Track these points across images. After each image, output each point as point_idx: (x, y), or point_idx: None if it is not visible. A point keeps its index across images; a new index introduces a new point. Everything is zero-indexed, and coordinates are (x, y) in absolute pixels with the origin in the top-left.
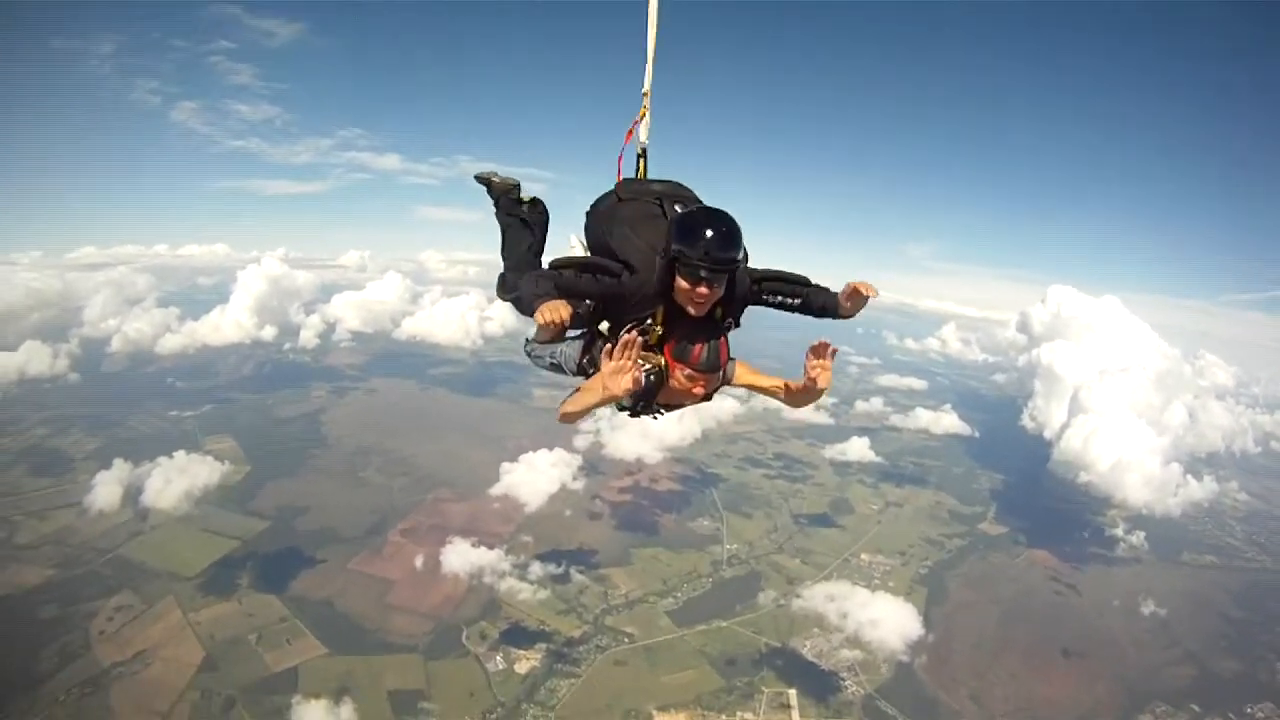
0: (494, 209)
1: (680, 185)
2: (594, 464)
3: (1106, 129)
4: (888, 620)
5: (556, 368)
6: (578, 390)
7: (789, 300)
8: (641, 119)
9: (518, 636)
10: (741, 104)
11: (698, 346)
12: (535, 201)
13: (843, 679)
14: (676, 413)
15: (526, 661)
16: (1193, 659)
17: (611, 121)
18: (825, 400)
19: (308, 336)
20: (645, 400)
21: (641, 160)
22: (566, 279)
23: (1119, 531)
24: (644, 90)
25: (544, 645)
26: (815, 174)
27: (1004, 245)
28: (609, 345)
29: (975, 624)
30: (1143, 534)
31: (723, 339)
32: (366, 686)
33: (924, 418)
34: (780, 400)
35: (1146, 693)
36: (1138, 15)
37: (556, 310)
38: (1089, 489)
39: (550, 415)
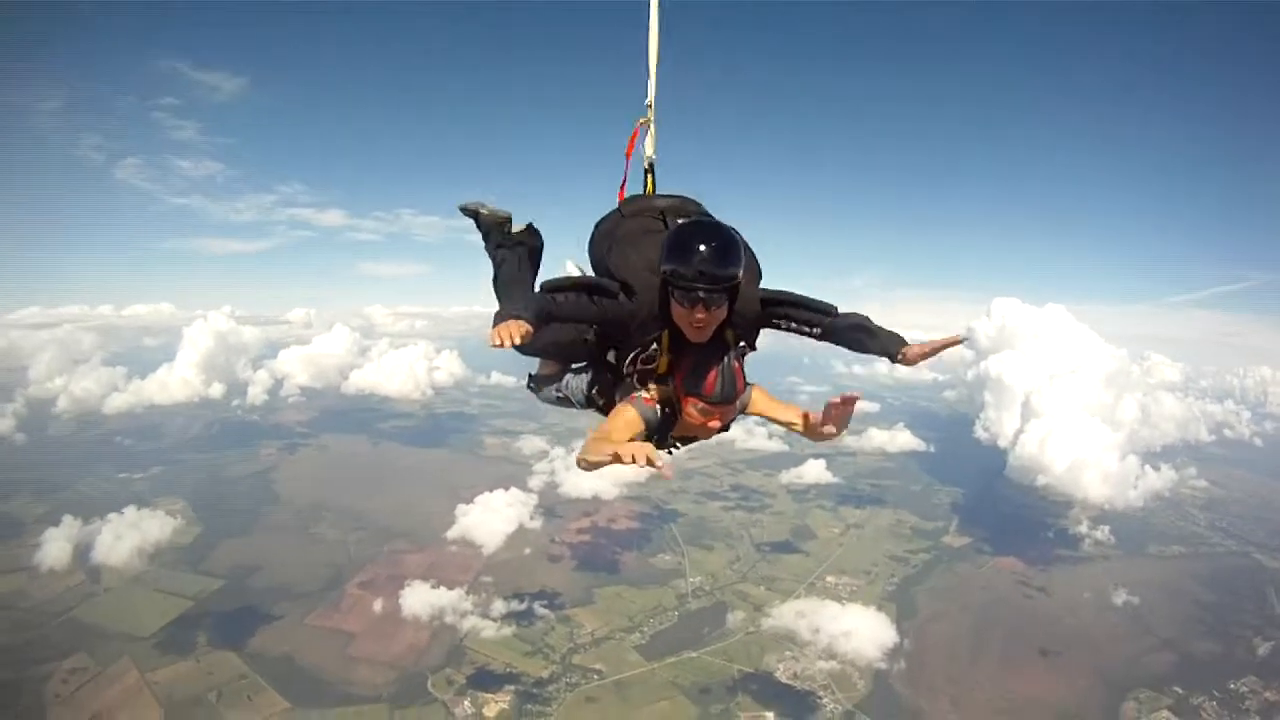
0: (483, 243)
1: (688, 199)
2: (550, 503)
3: (1038, 145)
4: (861, 630)
5: (564, 401)
6: (595, 438)
7: (807, 329)
8: (645, 129)
9: (485, 680)
10: (679, 133)
11: (711, 376)
12: (529, 228)
13: (820, 697)
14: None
15: (495, 705)
16: (1170, 645)
17: (553, 174)
18: (777, 428)
19: (256, 393)
20: (659, 436)
21: (649, 176)
22: (556, 302)
23: (1083, 529)
24: (648, 101)
25: (512, 687)
26: (750, 214)
27: (945, 267)
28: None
29: (948, 633)
30: (1107, 528)
31: (738, 365)
32: None
33: (878, 438)
34: (796, 432)
35: (1128, 682)
36: (1063, 23)
37: (508, 329)
38: (1048, 491)
39: (503, 463)
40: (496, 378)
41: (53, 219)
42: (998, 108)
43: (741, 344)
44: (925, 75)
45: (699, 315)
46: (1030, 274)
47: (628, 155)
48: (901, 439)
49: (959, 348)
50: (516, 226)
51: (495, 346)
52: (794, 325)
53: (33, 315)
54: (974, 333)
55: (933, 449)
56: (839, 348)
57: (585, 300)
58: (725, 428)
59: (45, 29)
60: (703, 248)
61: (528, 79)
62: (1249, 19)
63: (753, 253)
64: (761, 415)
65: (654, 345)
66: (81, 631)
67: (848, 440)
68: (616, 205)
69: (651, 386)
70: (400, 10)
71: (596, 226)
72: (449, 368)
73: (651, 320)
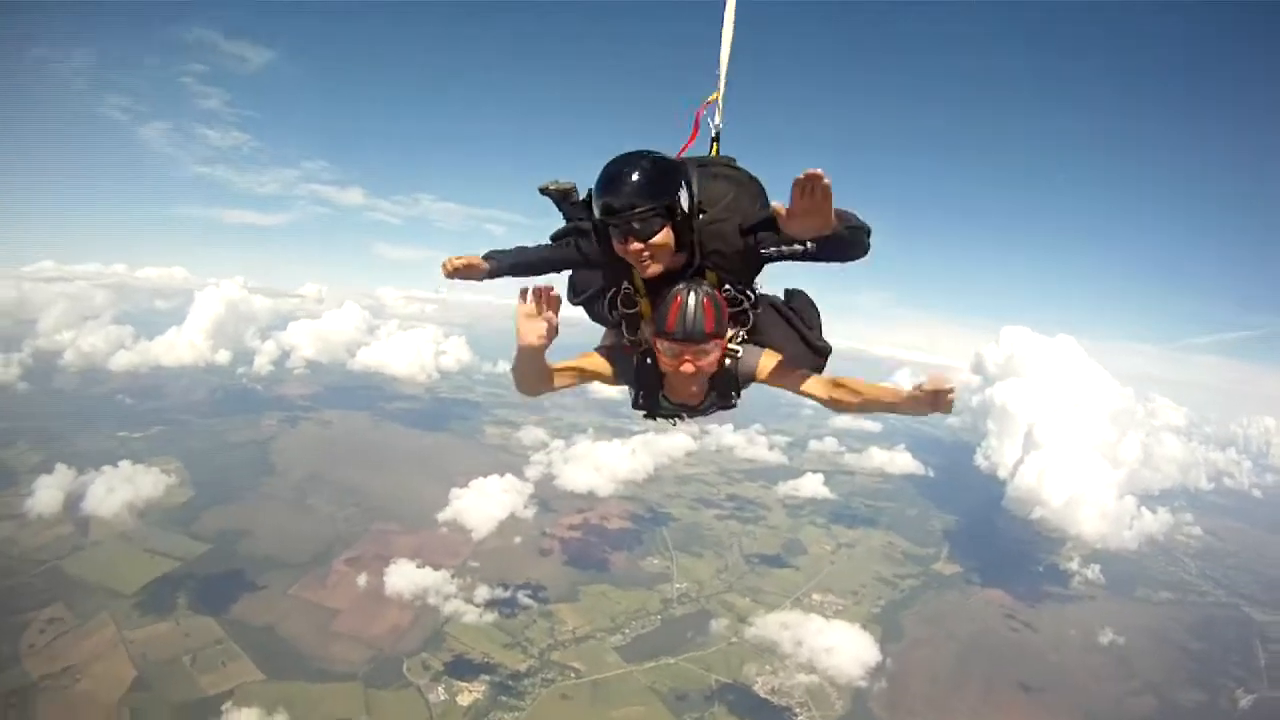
0: (564, 222)
1: (721, 158)
2: (545, 495)
3: (1060, 178)
4: (844, 647)
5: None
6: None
7: (798, 247)
8: (714, 104)
9: (461, 668)
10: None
11: (673, 307)
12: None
13: (796, 714)
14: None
15: (469, 694)
16: (1153, 690)
17: (578, 163)
18: (779, 439)
19: (262, 363)
20: (645, 390)
21: (715, 144)
22: (548, 250)
23: (1074, 565)
24: (719, 73)
25: (488, 678)
26: None
27: (957, 292)
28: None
29: (931, 660)
30: (1098, 568)
31: (708, 300)
32: (303, 713)
33: (878, 457)
34: (854, 410)
35: None
36: (1089, 56)
37: (451, 261)
38: (1043, 525)
39: (502, 452)
40: (503, 366)
41: (73, 175)
42: (1022, 134)
43: (728, 284)
44: (949, 95)
45: (631, 247)
46: (1042, 304)
47: (695, 122)
48: (901, 461)
49: (965, 373)
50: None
51: (446, 273)
52: (782, 251)
53: (46, 269)
54: (982, 359)
55: (932, 474)
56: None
57: (571, 246)
58: (724, 398)
59: None
60: (611, 177)
61: (556, 71)
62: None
63: (740, 180)
64: (782, 387)
65: (627, 285)
66: (64, 583)
67: (847, 458)
68: None
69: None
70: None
71: None
72: (456, 353)
73: (612, 260)
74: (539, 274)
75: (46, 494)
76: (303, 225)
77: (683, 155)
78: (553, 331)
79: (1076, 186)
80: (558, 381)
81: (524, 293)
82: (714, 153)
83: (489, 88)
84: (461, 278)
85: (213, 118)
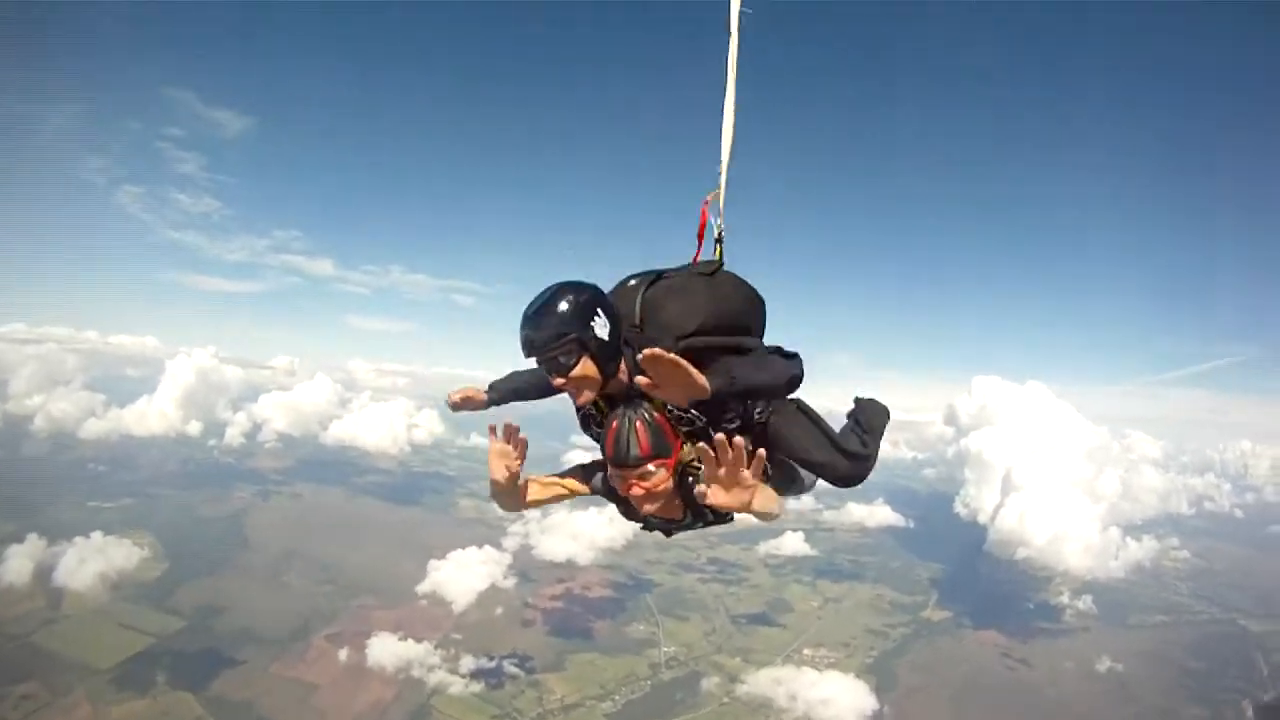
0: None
1: (703, 263)
2: (524, 564)
3: (1016, 230)
4: (839, 698)
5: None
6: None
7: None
8: (715, 202)
9: None
10: (656, 199)
11: (609, 435)
12: None
13: None
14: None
15: None
16: (1157, 712)
17: (538, 237)
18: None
19: (234, 435)
20: (620, 507)
21: (718, 245)
22: (531, 373)
23: (1064, 600)
24: (720, 171)
25: None
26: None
27: (926, 347)
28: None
29: (929, 705)
30: (1089, 598)
31: (640, 425)
32: None
33: (857, 512)
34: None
35: None
36: (1052, 92)
37: (452, 395)
38: (1028, 564)
39: (478, 525)
40: (475, 439)
41: (48, 237)
42: (976, 186)
43: (671, 405)
44: (903, 153)
45: (555, 382)
46: (1011, 353)
47: (701, 224)
48: (881, 514)
49: (938, 425)
50: None
51: (450, 405)
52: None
53: (17, 332)
54: (955, 410)
55: (912, 525)
56: None
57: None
58: (699, 513)
59: (60, 41)
60: (524, 315)
61: (530, 149)
62: (1230, 96)
63: (689, 290)
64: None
65: (590, 408)
66: (38, 658)
67: (826, 515)
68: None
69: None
70: (412, 74)
71: None
72: (429, 426)
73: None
74: (533, 399)
75: (17, 563)
76: (274, 295)
77: (697, 260)
78: (518, 468)
79: (1035, 239)
80: (538, 497)
81: (493, 430)
82: (718, 254)
83: (461, 160)
84: (465, 409)
85: (187, 183)
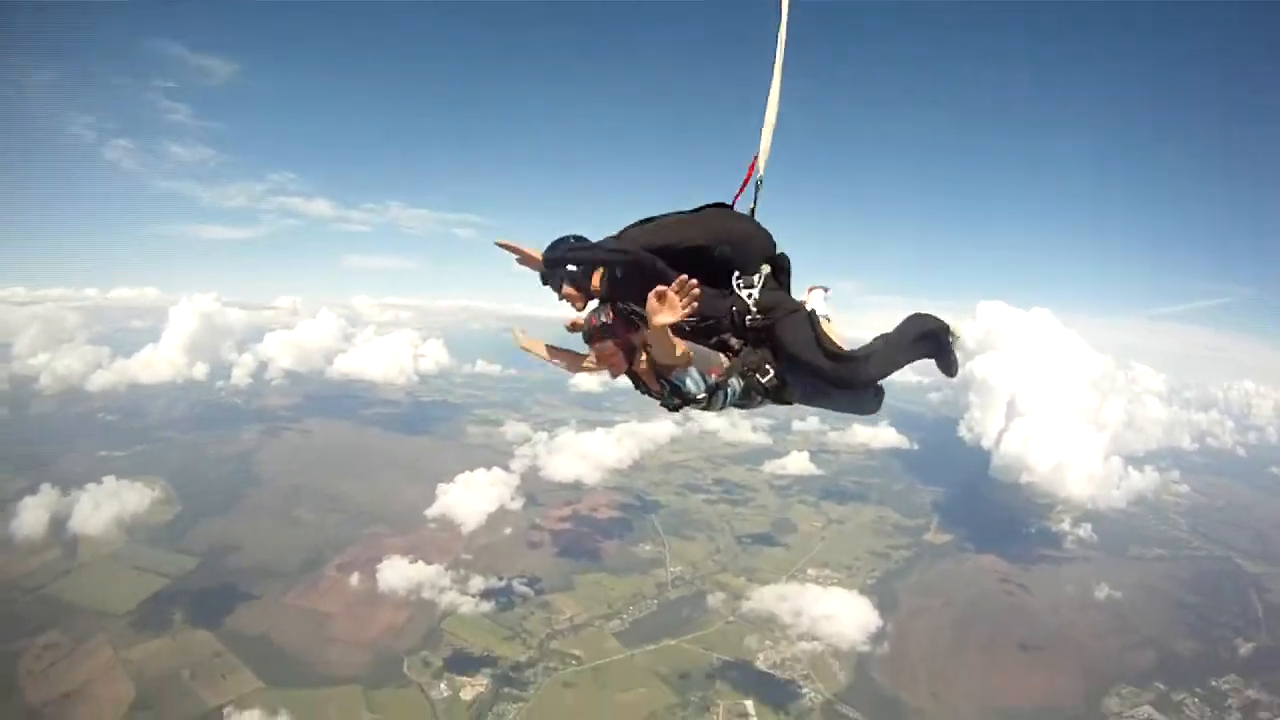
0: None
1: (701, 207)
2: (532, 486)
3: (1022, 153)
4: (843, 614)
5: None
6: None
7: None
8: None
9: (461, 663)
10: (662, 142)
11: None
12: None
13: (799, 686)
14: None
15: (471, 688)
16: (1152, 643)
17: (540, 168)
18: (763, 421)
19: (240, 375)
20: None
21: (757, 189)
22: None
23: (1065, 526)
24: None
25: (489, 671)
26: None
27: (928, 274)
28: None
29: (929, 627)
30: (1089, 527)
31: (594, 320)
32: (306, 717)
33: (862, 434)
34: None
35: (1110, 678)
36: (1054, 31)
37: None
38: (1031, 490)
39: (486, 450)
40: (482, 366)
41: (39, 198)
42: (984, 113)
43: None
44: (909, 79)
45: (559, 298)
46: (1015, 281)
47: (748, 175)
48: (885, 436)
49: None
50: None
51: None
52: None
53: (16, 295)
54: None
55: (916, 448)
56: None
57: None
58: (642, 385)
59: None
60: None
61: (522, 75)
62: (1240, 39)
63: (659, 224)
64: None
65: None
66: (56, 608)
67: (831, 436)
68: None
69: None
70: (397, 3)
71: None
72: (434, 355)
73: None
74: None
75: (32, 515)
76: (273, 239)
77: (737, 199)
78: (524, 339)
79: (1041, 163)
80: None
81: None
82: (755, 198)
83: (453, 90)
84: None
85: (179, 132)
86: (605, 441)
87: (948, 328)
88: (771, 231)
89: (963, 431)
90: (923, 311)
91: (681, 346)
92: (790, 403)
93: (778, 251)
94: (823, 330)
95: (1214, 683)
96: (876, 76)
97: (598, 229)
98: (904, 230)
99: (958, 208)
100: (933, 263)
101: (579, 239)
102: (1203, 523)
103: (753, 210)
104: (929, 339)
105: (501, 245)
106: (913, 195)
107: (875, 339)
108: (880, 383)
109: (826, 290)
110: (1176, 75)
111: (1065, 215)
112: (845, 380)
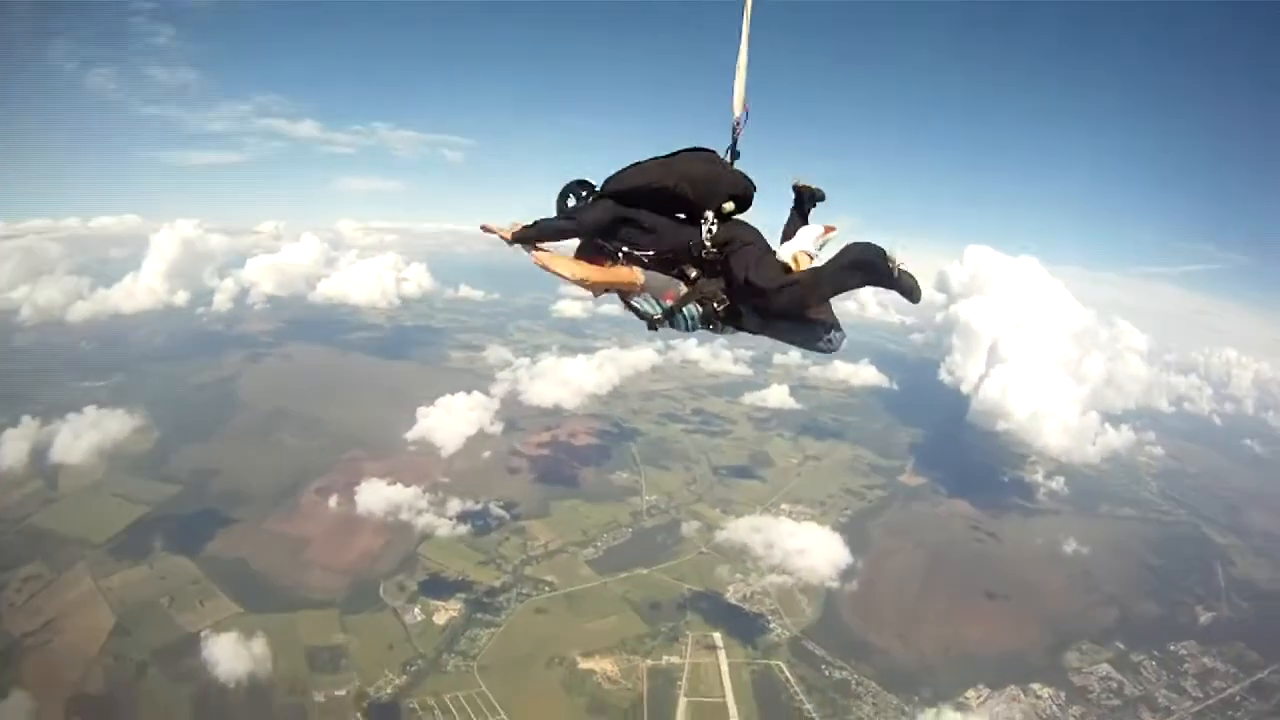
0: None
1: (678, 151)
2: (512, 411)
3: (1020, 103)
4: (815, 549)
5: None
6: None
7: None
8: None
9: (436, 588)
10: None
11: None
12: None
13: (768, 620)
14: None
15: (445, 612)
16: (1115, 601)
17: (529, 90)
18: (744, 353)
19: (221, 301)
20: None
21: (735, 131)
22: None
23: (1038, 478)
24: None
25: (463, 596)
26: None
27: (921, 213)
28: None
29: (898, 569)
30: (1062, 480)
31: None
32: (282, 641)
33: (843, 370)
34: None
35: (1071, 632)
36: None
37: None
38: (1007, 438)
39: (467, 375)
40: (465, 290)
41: (16, 130)
42: (983, 57)
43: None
44: (902, 25)
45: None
46: (1004, 226)
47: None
48: (866, 374)
49: (929, 291)
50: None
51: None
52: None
53: None
54: (946, 277)
55: (896, 387)
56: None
57: None
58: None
59: None
60: None
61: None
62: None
63: (638, 167)
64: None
65: None
66: (38, 538)
67: (812, 370)
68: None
69: None
70: None
71: None
72: (417, 279)
73: None
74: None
75: (12, 447)
76: (257, 162)
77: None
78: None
79: (1038, 110)
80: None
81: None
82: (733, 138)
83: (443, 8)
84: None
85: (162, 55)
86: (586, 368)
87: (884, 253)
88: (745, 171)
89: (943, 374)
90: (860, 240)
91: (627, 275)
92: (750, 331)
93: (743, 190)
94: (771, 260)
95: (1172, 647)
96: (864, 18)
97: (587, 155)
98: (899, 167)
99: (953, 149)
100: (926, 200)
101: (581, 183)
102: (1174, 487)
103: (730, 150)
104: (865, 266)
105: (485, 229)
106: (907, 136)
107: (812, 267)
108: (838, 324)
109: (829, 230)
110: (1178, 47)
111: (1061, 164)
112: (785, 308)
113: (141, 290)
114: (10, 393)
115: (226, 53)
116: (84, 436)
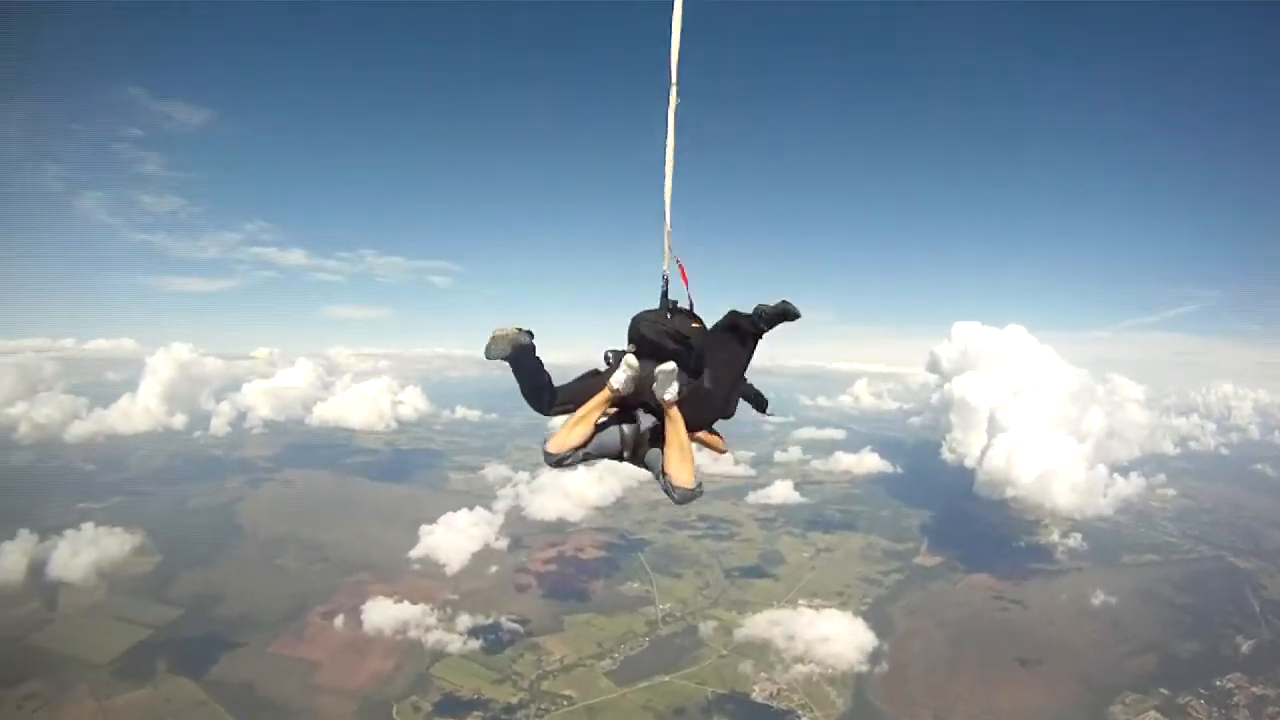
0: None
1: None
2: (516, 527)
3: (985, 178)
4: (838, 636)
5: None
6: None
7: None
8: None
9: (452, 707)
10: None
11: None
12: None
13: (799, 716)
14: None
15: None
16: (1151, 648)
17: (516, 215)
18: (745, 454)
19: (219, 424)
20: None
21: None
22: None
23: (1055, 538)
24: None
25: (480, 714)
26: (707, 251)
27: (900, 299)
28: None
29: (925, 649)
30: (1079, 536)
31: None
32: None
33: (845, 461)
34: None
35: (1112, 686)
36: (1020, 43)
37: None
38: (1017, 504)
39: (467, 496)
40: (461, 411)
41: (10, 249)
42: (945, 140)
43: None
44: (873, 109)
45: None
46: (989, 300)
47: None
48: (869, 462)
49: (922, 374)
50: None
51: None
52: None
53: None
54: (937, 357)
55: (900, 471)
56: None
57: None
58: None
59: (5, 42)
60: None
61: (493, 132)
62: (1205, 46)
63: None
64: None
65: None
66: (38, 657)
67: (814, 464)
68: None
69: None
70: (366, 51)
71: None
72: (413, 402)
73: None
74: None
75: (10, 560)
76: (248, 290)
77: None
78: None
79: (1009, 184)
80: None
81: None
82: (664, 291)
83: (428, 138)
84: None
85: (150, 182)
86: (588, 479)
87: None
88: (642, 313)
89: (945, 453)
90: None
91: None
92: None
93: (638, 336)
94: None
95: (1218, 682)
96: (832, 92)
97: (570, 279)
98: (871, 258)
99: (925, 233)
100: (903, 287)
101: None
102: (1192, 525)
103: (663, 296)
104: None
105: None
106: (883, 222)
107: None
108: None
109: (634, 368)
110: (1138, 97)
111: (1033, 232)
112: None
113: (138, 411)
114: (7, 508)
115: (214, 181)
116: (82, 553)
